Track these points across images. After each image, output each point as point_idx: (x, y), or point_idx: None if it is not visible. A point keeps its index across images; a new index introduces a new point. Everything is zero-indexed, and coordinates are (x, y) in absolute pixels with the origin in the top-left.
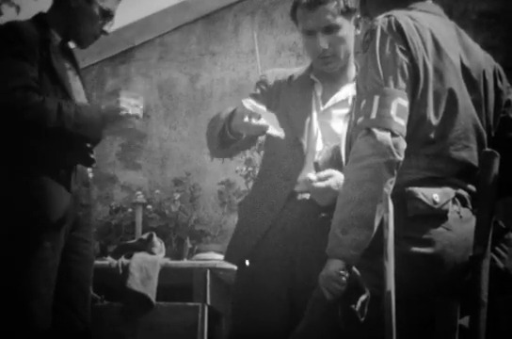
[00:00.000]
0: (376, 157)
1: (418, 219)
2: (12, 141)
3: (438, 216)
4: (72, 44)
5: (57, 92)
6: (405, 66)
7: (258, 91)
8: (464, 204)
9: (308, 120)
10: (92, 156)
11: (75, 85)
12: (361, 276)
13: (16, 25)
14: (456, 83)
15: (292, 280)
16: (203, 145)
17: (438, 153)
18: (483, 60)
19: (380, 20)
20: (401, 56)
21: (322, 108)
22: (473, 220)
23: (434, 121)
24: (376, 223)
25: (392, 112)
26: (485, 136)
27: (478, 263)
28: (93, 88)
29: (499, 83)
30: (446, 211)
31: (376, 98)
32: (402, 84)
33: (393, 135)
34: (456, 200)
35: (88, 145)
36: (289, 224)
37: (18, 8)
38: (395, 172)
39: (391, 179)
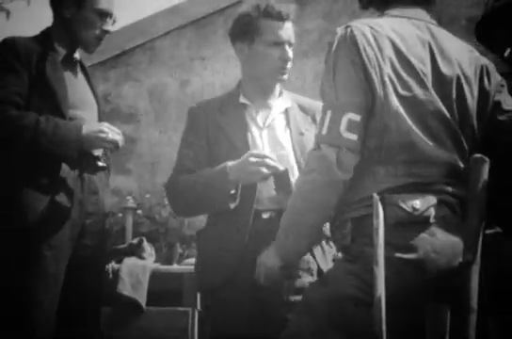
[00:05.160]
0: (319, 174)
1: (399, 226)
2: None
3: (419, 222)
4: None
5: (45, 107)
6: (357, 79)
7: (190, 123)
8: (452, 210)
9: (250, 138)
10: (101, 164)
11: (81, 96)
12: (345, 279)
13: (11, 41)
14: (421, 88)
15: (268, 299)
16: None
17: (415, 158)
18: (465, 62)
19: (339, 32)
20: (354, 69)
21: (262, 125)
22: (462, 226)
23: (403, 128)
24: (316, 233)
25: (342, 127)
26: (462, 138)
27: (468, 269)
28: None
29: (486, 83)
30: (427, 217)
31: (329, 113)
32: (354, 98)
33: (342, 151)
34: (443, 206)
35: (97, 153)
36: (260, 245)
37: (8, 13)
38: (340, 188)
39: (334, 194)
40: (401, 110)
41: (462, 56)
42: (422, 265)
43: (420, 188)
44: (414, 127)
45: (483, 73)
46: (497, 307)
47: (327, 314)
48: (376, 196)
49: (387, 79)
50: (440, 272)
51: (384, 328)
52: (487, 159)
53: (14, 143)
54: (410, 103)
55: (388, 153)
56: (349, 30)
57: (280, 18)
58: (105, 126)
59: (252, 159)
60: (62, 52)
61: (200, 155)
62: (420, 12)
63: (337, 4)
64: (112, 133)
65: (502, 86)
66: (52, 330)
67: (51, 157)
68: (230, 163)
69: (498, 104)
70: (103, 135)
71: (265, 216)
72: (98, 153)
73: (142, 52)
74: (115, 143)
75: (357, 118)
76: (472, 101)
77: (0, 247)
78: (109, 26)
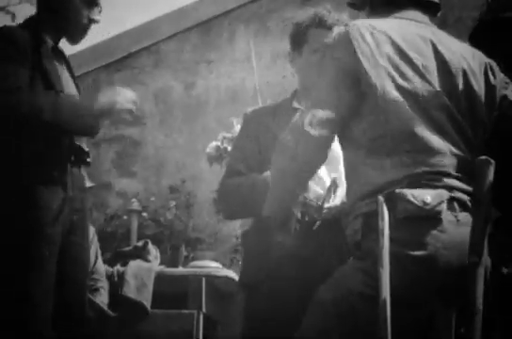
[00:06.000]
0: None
1: (408, 221)
2: (6, 143)
3: (429, 217)
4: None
5: None
6: (339, 80)
7: (242, 127)
8: (464, 208)
9: None
10: (88, 159)
11: (69, 88)
12: (354, 276)
13: (9, 31)
14: (422, 81)
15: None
16: (198, 152)
17: (419, 148)
18: (469, 57)
19: (336, 30)
20: (340, 68)
21: None
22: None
23: (404, 117)
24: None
25: (306, 121)
26: (469, 132)
27: (473, 271)
28: None
29: (491, 79)
30: (438, 212)
31: (307, 103)
32: (329, 96)
33: (302, 138)
34: (455, 203)
35: (87, 150)
36: (300, 247)
37: (13, 16)
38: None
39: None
40: (401, 101)
41: (466, 52)
42: (431, 262)
43: (431, 184)
44: (416, 117)
45: (487, 69)
46: (502, 307)
47: (335, 312)
48: (380, 198)
49: (384, 72)
50: (449, 269)
51: (389, 330)
52: (492, 161)
53: (37, 122)
54: (411, 94)
55: (392, 142)
56: (345, 28)
57: (327, 26)
58: (119, 96)
59: None
60: (50, 42)
61: (250, 158)
62: (421, 16)
63: (341, 6)
64: (126, 102)
65: (506, 83)
66: (49, 328)
67: (72, 134)
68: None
69: (505, 97)
70: (118, 106)
71: (308, 218)
72: (87, 148)
73: (147, 55)
74: (130, 112)
75: (324, 115)
76: (480, 95)
77: (12, 247)
78: (96, 15)
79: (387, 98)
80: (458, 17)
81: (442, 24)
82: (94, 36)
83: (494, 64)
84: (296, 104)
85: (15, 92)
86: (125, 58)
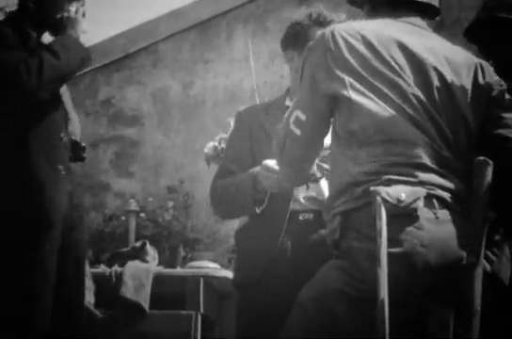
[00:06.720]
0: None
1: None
2: (7, 140)
3: (405, 214)
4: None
5: None
6: (315, 82)
7: (235, 126)
8: (445, 206)
9: None
10: (84, 155)
11: None
12: (333, 275)
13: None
14: (395, 76)
15: None
16: (196, 153)
17: (392, 138)
18: (455, 60)
19: (316, 35)
20: (315, 72)
21: None
22: (457, 222)
23: (376, 109)
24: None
25: (291, 120)
26: (447, 130)
27: (471, 272)
28: (86, 96)
29: (479, 79)
30: (414, 210)
31: (292, 104)
32: (306, 98)
33: (287, 139)
34: (433, 200)
35: (83, 144)
36: (293, 246)
37: None
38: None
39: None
40: (378, 95)
41: (453, 54)
42: (408, 258)
43: (407, 180)
44: (388, 108)
45: (477, 69)
46: (500, 307)
47: (316, 312)
48: (379, 198)
49: (353, 71)
50: (429, 267)
51: (387, 331)
52: (490, 162)
53: (52, 84)
54: (384, 88)
55: (364, 133)
56: (322, 33)
57: (328, 25)
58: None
59: (263, 172)
60: (34, 35)
61: (243, 157)
62: (417, 19)
63: (340, 7)
64: (71, 12)
65: (501, 85)
66: (49, 324)
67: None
68: (256, 169)
69: (494, 98)
70: (72, 17)
71: (302, 218)
72: (83, 143)
73: (145, 55)
74: (80, 10)
75: (302, 117)
76: (463, 95)
77: (19, 243)
78: (79, 7)
79: (359, 93)
80: (456, 18)
81: (440, 26)
82: (92, 36)
83: (486, 65)
84: (288, 102)
85: (20, 62)
86: (123, 58)
